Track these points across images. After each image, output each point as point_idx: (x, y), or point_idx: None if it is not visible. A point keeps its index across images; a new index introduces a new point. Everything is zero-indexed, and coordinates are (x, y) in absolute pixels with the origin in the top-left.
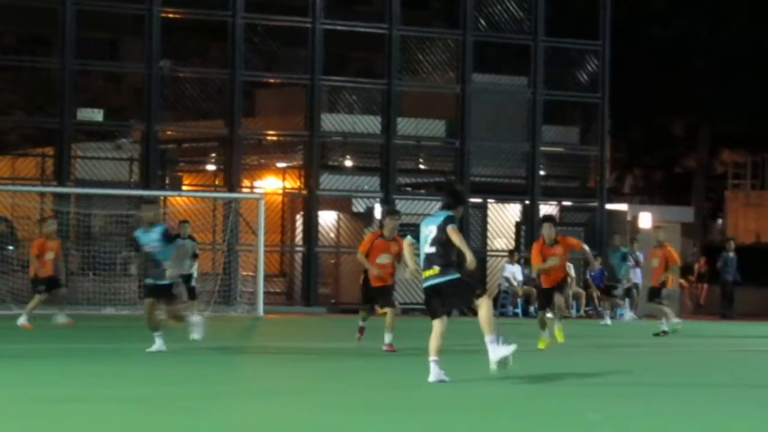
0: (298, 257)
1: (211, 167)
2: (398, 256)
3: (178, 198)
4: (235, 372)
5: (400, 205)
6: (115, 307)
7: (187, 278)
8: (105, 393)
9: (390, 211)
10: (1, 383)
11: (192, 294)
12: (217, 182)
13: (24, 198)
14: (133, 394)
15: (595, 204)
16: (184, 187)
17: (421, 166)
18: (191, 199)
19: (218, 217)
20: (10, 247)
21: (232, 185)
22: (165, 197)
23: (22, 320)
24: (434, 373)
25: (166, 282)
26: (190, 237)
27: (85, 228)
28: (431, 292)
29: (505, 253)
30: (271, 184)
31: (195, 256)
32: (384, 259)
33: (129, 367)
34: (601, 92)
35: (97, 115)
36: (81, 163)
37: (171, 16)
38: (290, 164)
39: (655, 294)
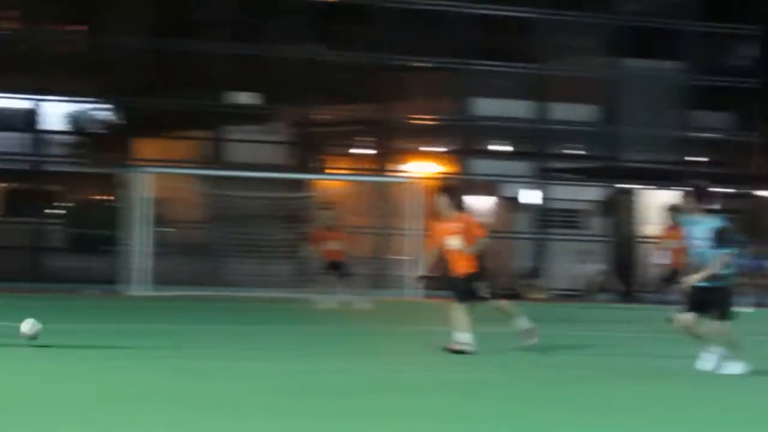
0: None
1: (362, 151)
2: (464, 235)
3: (329, 181)
4: (409, 359)
5: (551, 190)
6: (271, 289)
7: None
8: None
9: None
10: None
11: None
12: (367, 166)
13: (180, 180)
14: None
15: (748, 191)
16: (335, 171)
17: (573, 151)
18: (342, 182)
19: (369, 201)
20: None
21: (383, 169)
22: (317, 180)
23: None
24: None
25: None
26: None
27: (240, 211)
28: (717, 291)
29: (656, 240)
30: (421, 168)
31: None
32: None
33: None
34: (756, 77)
35: (251, 98)
36: (235, 146)
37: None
38: (440, 148)
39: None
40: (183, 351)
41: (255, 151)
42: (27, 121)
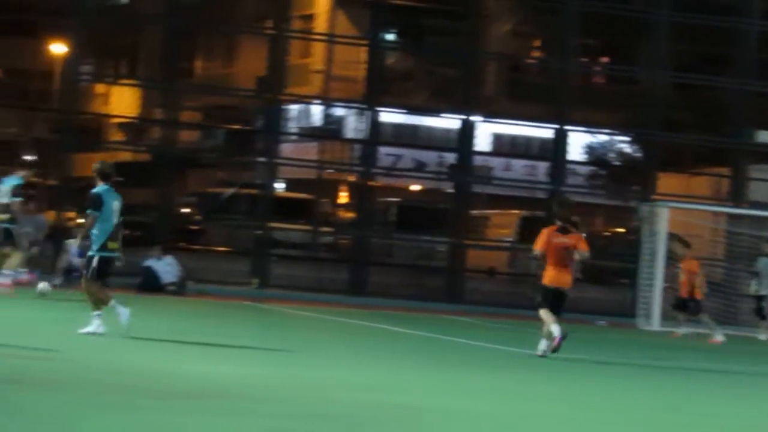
0: None
1: None
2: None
3: None
4: None
5: None
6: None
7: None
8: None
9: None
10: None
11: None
12: None
13: (697, 216)
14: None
15: None
16: None
17: None
18: None
19: None
20: (680, 266)
21: None
22: None
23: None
24: None
25: None
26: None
27: (755, 250)
28: None
29: None
30: None
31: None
32: None
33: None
34: None
35: None
36: (756, 184)
37: None
38: None
39: None
40: None
41: None
42: (548, 150)
